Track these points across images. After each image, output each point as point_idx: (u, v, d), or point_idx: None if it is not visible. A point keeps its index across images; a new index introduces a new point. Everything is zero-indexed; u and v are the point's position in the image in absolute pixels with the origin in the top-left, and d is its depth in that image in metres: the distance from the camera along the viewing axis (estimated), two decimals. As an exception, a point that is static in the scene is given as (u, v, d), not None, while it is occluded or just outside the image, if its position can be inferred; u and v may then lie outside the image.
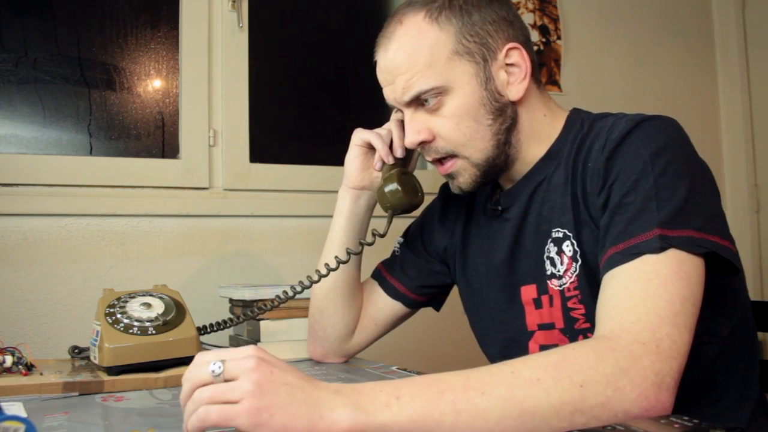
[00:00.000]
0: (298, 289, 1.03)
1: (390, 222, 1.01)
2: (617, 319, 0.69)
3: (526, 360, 0.66)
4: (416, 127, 0.91)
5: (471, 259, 1.05)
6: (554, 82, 2.13)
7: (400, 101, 0.91)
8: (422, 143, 0.91)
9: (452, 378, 0.64)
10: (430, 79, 0.87)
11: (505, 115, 0.90)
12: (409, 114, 0.91)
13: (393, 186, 0.99)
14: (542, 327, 0.92)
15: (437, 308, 1.18)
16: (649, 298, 0.69)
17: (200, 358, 0.64)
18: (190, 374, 0.64)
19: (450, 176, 0.93)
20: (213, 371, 0.61)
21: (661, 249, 0.72)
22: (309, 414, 0.60)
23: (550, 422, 0.62)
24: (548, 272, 0.90)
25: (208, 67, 1.62)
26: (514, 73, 0.90)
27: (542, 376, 0.63)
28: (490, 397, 0.62)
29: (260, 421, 0.59)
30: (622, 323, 0.68)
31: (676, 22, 2.43)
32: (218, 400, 0.60)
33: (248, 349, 0.63)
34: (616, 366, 0.64)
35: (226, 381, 0.61)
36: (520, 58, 0.89)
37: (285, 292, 1.05)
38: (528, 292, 0.94)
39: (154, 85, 1.64)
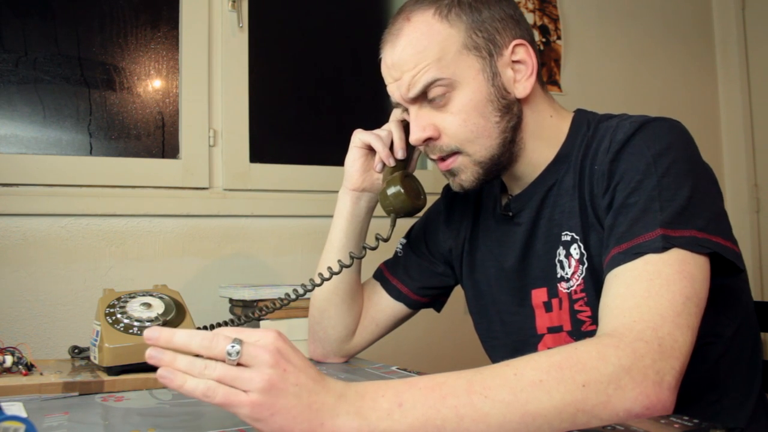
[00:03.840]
0: (301, 291, 1.03)
1: (393, 225, 1.00)
2: (620, 318, 0.69)
3: (529, 360, 0.65)
4: (422, 123, 0.90)
5: (480, 262, 1.04)
6: (554, 82, 2.13)
7: (406, 97, 0.90)
8: (427, 140, 0.90)
9: (455, 381, 0.63)
10: (437, 71, 0.86)
11: (512, 113, 0.89)
12: (414, 111, 0.91)
13: (396, 189, 0.98)
14: (551, 330, 0.92)
15: (438, 309, 1.18)
16: (651, 297, 0.69)
17: (220, 329, 0.63)
18: (206, 339, 0.62)
19: (451, 173, 0.93)
20: (228, 353, 0.60)
21: (663, 249, 0.72)
22: (310, 419, 0.60)
23: (552, 423, 0.62)
24: (558, 275, 0.90)
25: (208, 67, 1.62)
26: (520, 71, 0.89)
27: (545, 378, 0.63)
28: (493, 401, 0.62)
29: (261, 417, 0.59)
30: (624, 321, 0.68)
31: (676, 22, 2.43)
32: (226, 383, 0.60)
33: (269, 337, 0.62)
34: (618, 364, 0.64)
35: (239, 365, 0.60)
36: (526, 55, 0.89)
37: (287, 294, 1.05)
38: (539, 295, 0.94)
39: (154, 85, 1.64)
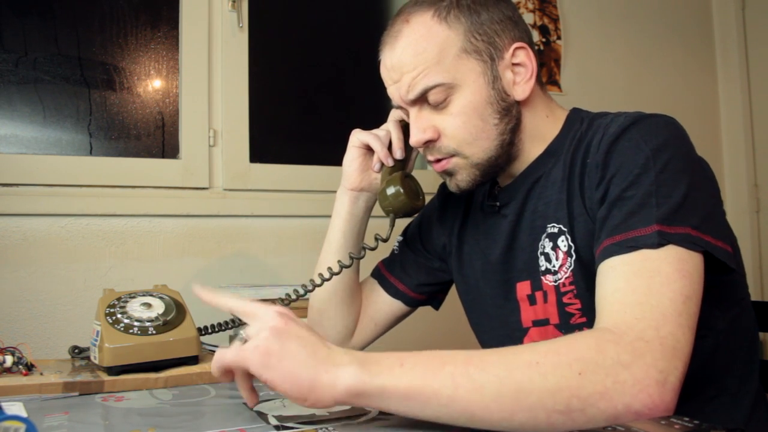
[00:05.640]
0: (301, 292, 1.03)
1: (392, 226, 1.00)
2: (620, 314, 0.69)
3: (529, 345, 0.68)
4: (422, 125, 0.90)
5: (467, 256, 1.05)
6: (554, 82, 2.13)
7: (406, 99, 0.90)
8: (427, 142, 0.91)
9: (456, 354, 0.67)
10: (437, 75, 0.86)
11: (511, 115, 0.90)
12: (414, 112, 0.91)
13: (395, 189, 0.98)
14: (537, 323, 0.92)
15: (436, 307, 1.18)
16: (652, 296, 0.69)
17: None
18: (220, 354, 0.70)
19: (447, 174, 0.93)
20: (238, 340, 0.69)
21: (659, 245, 0.72)
22: (315, 366, 0.65)
23: (546, 405, 0.63)
24: (542, 268, 0.90)
25: (208, 67, 1.62)
26: (520, 73, 0.90)
27: (541, 360, 0.64)
28: (488, 374, 0.64)
29: (269, 363, 0.64)
30: (625, 318, 0.68)
31: (676, 22, 2.43)
32: (236, 347, 0.67)
33: (271, 309, 0.69)
34: (617, 360, 0.64)
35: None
36: (526, 57, 0.90)
37: (288, 295, 1.05)
38: (523, 288, 0.94)
39: (154, 85, 1.64)
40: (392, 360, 0.66)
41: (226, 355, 0.67)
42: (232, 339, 1.35)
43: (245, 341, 0.68)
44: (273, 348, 0.65)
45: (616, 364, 0.63)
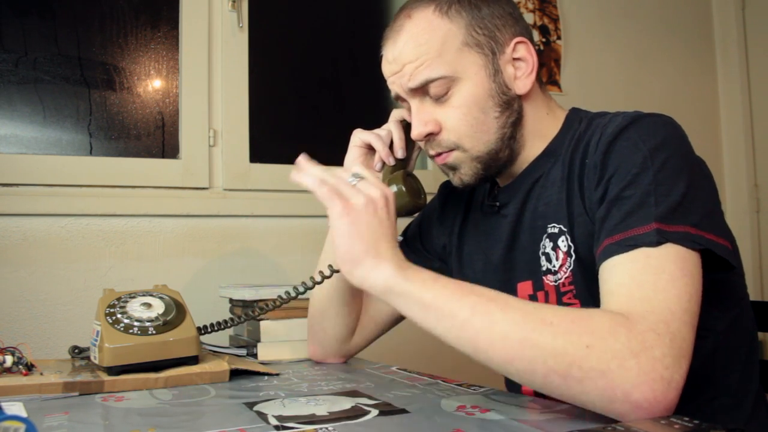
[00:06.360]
0: (301, 290, 1.02)
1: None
2: (630, 304, 0.69)
3: (551, 306, 0.72)
4: (423, 118, 0.91)
5: (468, 256, 1.05)
6: (554, 82, 2.13)
7: (407, 88, 0.90)
8: (428, 136, 0.91)
9: (486, 290, 0.73)
10: (440, 67, 0.87)
11: (512, 109, 0.90)
12: (415, 105, 0.91)
13: (397, 188, 0.99)
14: None
15: (437, 307, 1.18)
16: (660, 292, 0.69)
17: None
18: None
19: (450, 168, 0.94)
20: (350, 180, 0.80)
21: (658, 243, 0.72)
22: (368, 249, 0.74)
23: (547, 361, 0.65)
24: (543, 268, 0.90)
25: (208, 67, 1.62)
26: (520, 68, 0.90)
27: (556, 322, 0.67)
28: (504, 314, 0.69)
29: (340, 216, 0.74)
30: (637, 309, 0.68)
31: (676, 22, 2.43)
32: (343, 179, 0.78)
33: (384, 187, 0.80)
34: (628, 346, 0.64)
35: None
36: (527, 52, 0.90)
37: (287, 292, 1.04)
38: (524, 288, 0.94)
39: (154, 85, 1.64)
40: (430, 274, 0.74)
41: (327, 183, 0.78)
42: (231, 339, 1.35)
43: (354, 184, 0.79)
44: (357, 210, 0.74)
45: (625, 349, 0.64)
